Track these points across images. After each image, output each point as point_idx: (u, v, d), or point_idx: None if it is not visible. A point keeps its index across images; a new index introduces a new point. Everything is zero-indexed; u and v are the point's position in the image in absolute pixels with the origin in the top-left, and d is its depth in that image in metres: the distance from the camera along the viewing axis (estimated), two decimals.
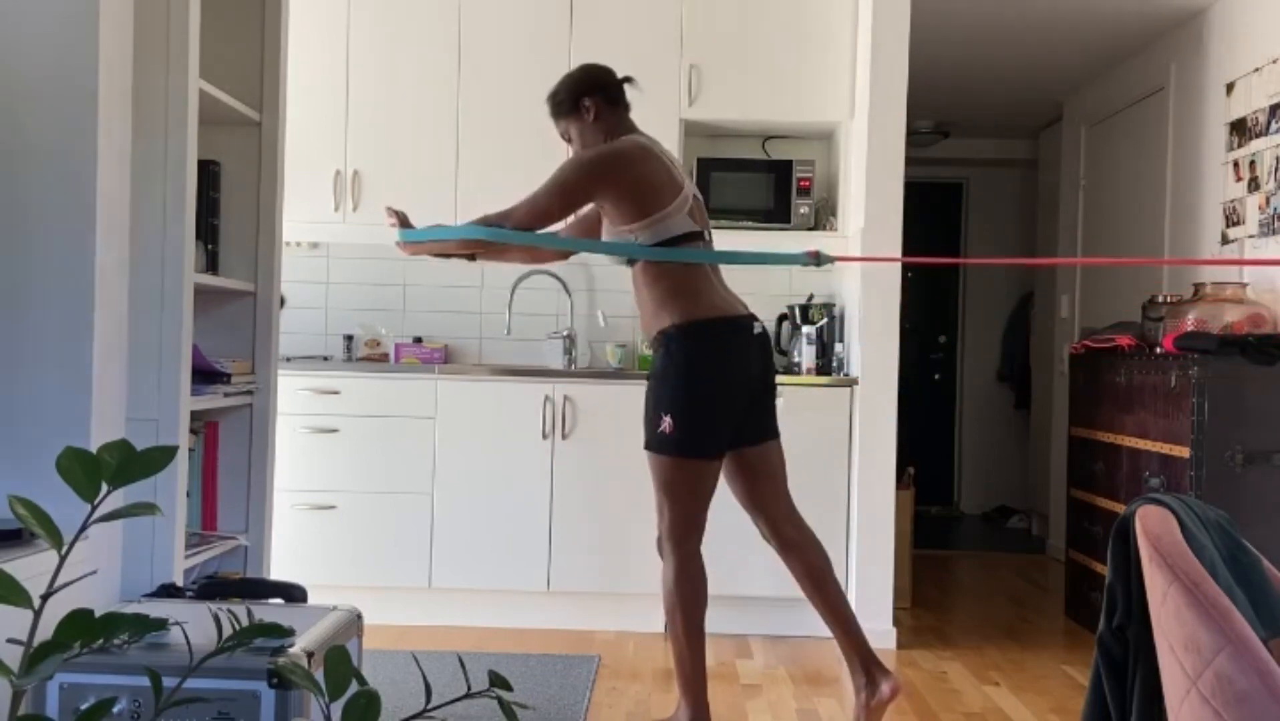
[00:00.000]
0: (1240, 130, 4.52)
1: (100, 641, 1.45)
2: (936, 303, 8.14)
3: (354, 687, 1.48)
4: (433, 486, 4.43)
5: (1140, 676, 1.70)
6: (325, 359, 4.97)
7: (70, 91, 2.31)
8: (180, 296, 2.66)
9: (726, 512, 3.28)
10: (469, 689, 1.63)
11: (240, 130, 3.14)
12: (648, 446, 3.11)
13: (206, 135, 2.97)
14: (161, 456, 1.45)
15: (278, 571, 3.37)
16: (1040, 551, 6.62)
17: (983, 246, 7.95)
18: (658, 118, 4.17)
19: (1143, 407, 4.18)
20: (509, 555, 4.41)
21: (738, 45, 4.69)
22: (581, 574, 4.41)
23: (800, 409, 4.29)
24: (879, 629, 4.13)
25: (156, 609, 2.23)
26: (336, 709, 1.48)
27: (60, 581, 1.40)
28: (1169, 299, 4.39)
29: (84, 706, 1.72)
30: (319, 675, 1.84)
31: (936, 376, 8.19)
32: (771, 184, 4.78)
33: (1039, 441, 7.13)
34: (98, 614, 1.46)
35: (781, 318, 4.87)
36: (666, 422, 3.05)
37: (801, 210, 4.76)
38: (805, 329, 4.65)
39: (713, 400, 3.06)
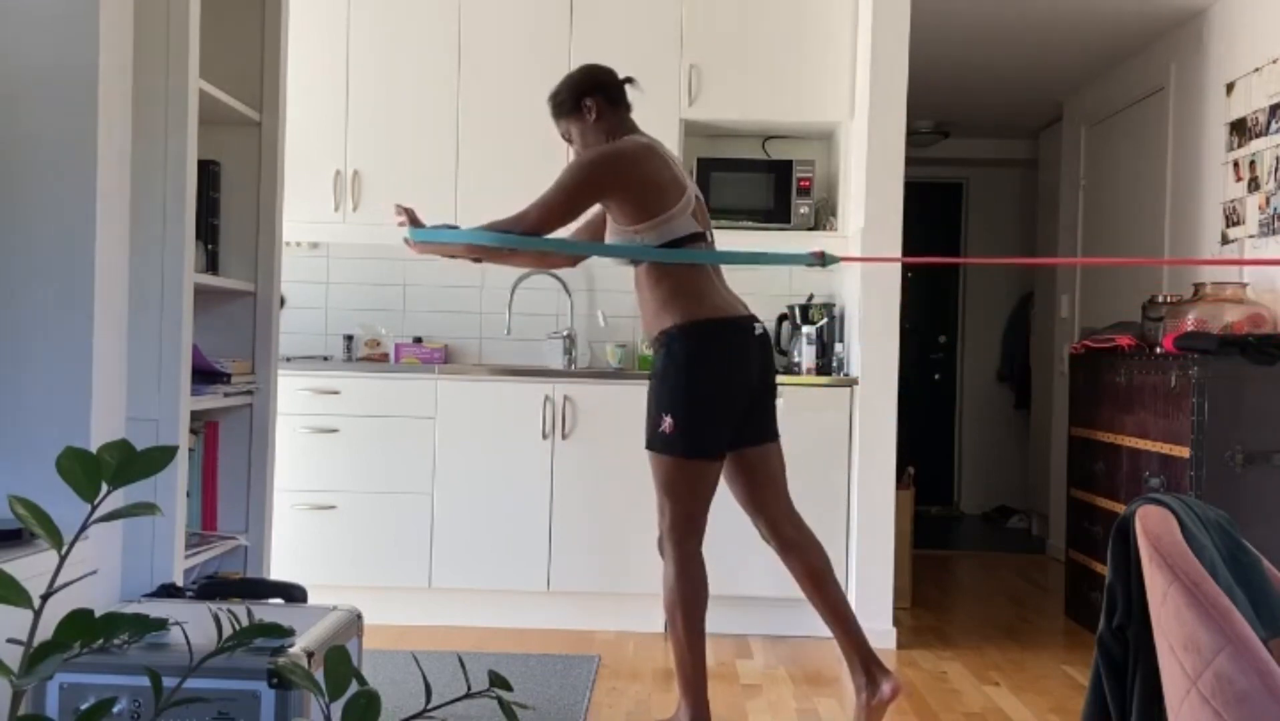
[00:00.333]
0: (1240, 130, 4.52)
1: (100, 641, 1.45)
2: (936, 303, 8.13)
3: (354, 687, 1.48)
4: (433, 486, 4.43)
5: (1140, 676, 1.70)
6: (325, 359, 4.97)
7: (70, 91, 2.31)
8: (180, 296, 2.66)
9: (726, 512, 3.28)
10: (469, 689, 1.63)
11: (240, 130, 3.14)
12: (649, 446, 3.12)
13: (206, 135, 2.97)
14: (161, 456, 1.45)
15: (278, 571, 3.37)
16: (1040, 551, 6.62)
17: (983, 246, 7.95)
18: (658, 118, 4.17)
19: (1143, 407, 4.18)
20: (509, 555, 4.41)
21: (738, 45, 4.69)
22: (581, 574, 4.41)
23: (800, 409, 4.29)
24: (879, 629, 4.13)
25: (156, 609, 2.23)
26: (336, 709, 1.48)
27: (60, 581, 1.40)
28: (1169, 299, 4.39)
29: (84, 706, 1.72)
30: (319, 675, 1.85)
31: (936, 376, 8.18)
32: (771, 184, 4.78)
33: (1039, 441, 7.13)
34: (98, 614, 1.46)
35: (781, 318, 4.87)
36: (667, 422, 3.05)
37: (801, 210, 4.76)
38: (805, 329, 4.65)
39: (714, 400, 3.06)
